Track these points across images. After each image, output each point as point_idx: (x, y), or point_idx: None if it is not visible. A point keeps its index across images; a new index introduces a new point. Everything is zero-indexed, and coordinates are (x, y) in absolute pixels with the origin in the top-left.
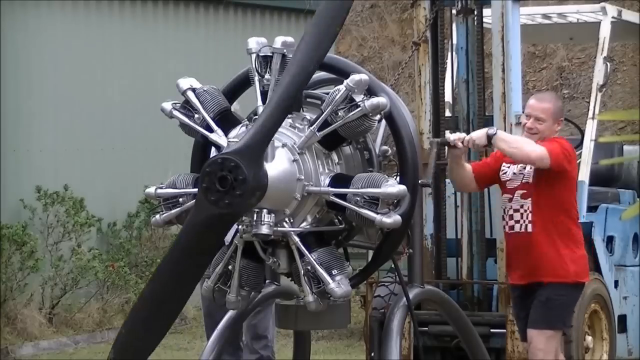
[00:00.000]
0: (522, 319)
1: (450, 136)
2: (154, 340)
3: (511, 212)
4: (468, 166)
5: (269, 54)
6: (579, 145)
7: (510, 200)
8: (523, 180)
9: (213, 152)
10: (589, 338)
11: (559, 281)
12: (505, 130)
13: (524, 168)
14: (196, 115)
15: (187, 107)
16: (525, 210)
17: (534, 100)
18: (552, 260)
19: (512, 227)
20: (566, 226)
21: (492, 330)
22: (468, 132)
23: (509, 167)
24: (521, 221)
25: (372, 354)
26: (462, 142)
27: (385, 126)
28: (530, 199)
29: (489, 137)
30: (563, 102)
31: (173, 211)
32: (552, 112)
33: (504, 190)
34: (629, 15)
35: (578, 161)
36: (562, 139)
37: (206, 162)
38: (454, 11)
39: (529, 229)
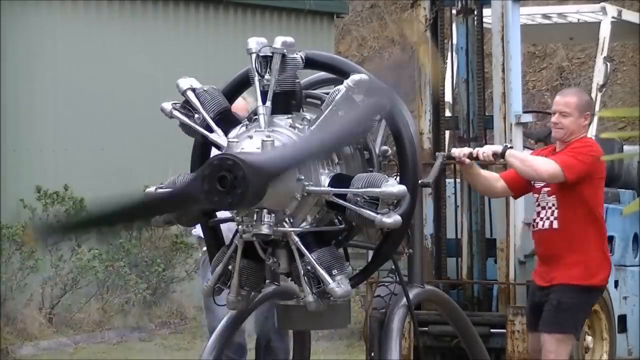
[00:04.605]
0: (533, 313)
1: (455, 151)
2: None
3: (538, 209)
4: (485, 173)
5: (269, 54)
6: None
7: (537, 199)
8: None
9: (214, 151)
10: (589, 338)
11: (571, 283)
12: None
13: None
14: (196, 115)
15: (187, 107)
16: (550, 207)
17: (559, 95)
18: (567, 260)
19: (536, 225)
20: (588, 224)
21: (492, 330)
22: (468, 133)
23: None
24: (545, 218)
25: (372, 354)
26: (470, 156)
27: (385, 126)
28: (554, 195)
29: (503, 152)
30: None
31: None
32: (576, 105)
33: (533, 190)
34: (629, 15)
35: None
36: (585, 139)
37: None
38: (454, 11)
39: (554, 225)
